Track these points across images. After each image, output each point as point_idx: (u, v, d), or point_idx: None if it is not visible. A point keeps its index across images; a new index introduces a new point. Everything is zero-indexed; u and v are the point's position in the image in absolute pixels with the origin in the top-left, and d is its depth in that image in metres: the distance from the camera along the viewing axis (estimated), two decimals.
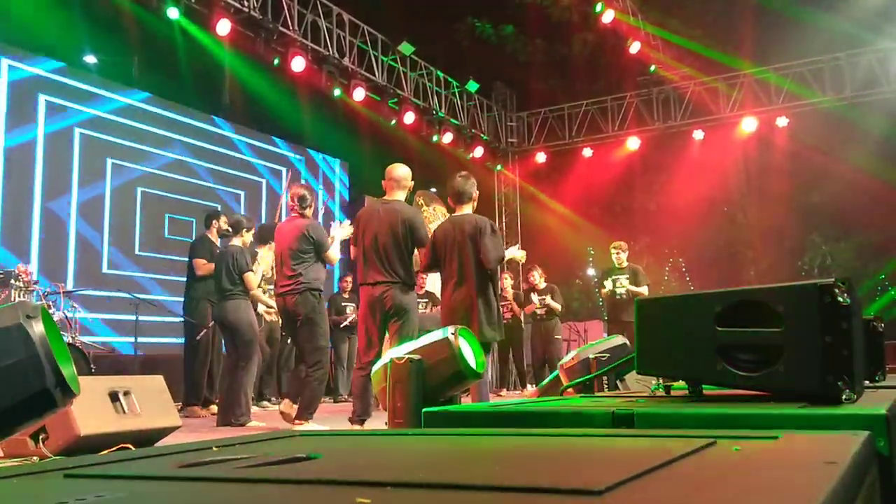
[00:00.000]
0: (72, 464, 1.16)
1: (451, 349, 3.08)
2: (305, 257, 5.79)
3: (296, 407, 5.71)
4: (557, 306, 10.23)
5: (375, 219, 5.43)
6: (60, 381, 2.14)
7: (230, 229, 6.78)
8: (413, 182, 5.71)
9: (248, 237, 6.76)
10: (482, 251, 5.15)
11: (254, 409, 8.13)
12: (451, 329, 3.23)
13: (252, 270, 6.49)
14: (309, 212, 6.04)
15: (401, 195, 5.57)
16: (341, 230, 6.17)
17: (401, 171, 5.61)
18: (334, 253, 5.98)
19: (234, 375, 6.36)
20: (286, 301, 5.82)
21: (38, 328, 2.12)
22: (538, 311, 10.21)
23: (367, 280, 5.40)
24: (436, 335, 3.26)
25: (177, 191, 10.36)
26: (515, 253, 5.88)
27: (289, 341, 8.49)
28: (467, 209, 5.41)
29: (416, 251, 5.45)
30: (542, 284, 10.36)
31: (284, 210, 6.89)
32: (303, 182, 11.30)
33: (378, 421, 5.31)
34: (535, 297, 10.30)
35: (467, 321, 4.96)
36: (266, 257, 7.35)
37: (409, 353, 3.12)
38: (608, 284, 9.38)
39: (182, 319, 7.74)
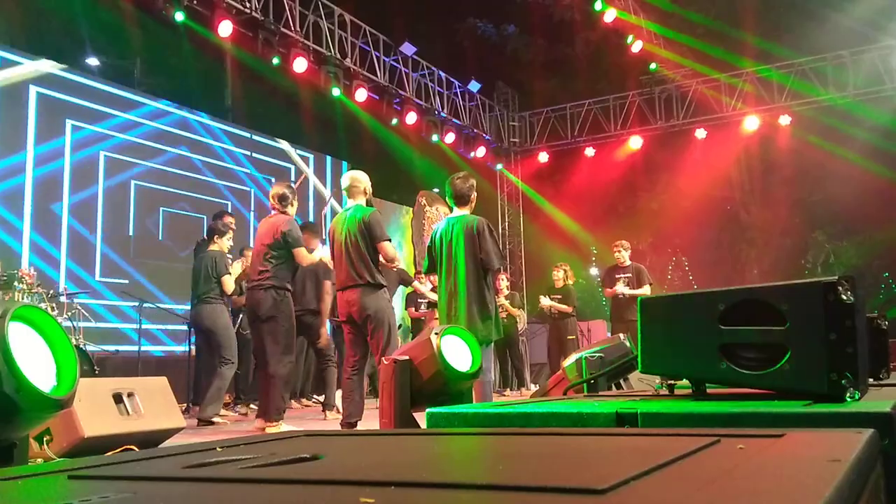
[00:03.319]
0: (76, 465, 1.17)
1: (432, 349, 3.08)
2: (276, 254, 5.81)
3: (270, 421, 5.66)
4: (566, 309, 10.26)
5: (339, 227, 5.51)
6: (23, 386, 2.09)
7: (206, 237, 6.82)
8: (371, 183, 5.71)
9: (223, 242, 6.75)
10: (484, 254, 5.17)
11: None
12: (435, 329, 3.23)
13: (229, 273, 6.50)
14: (291, 210, 6.03)
15: (360, 199, 5.60)
16: (327, 251, 6.27)
17: (351, 178, 5.66)
18: (307, 255, 5.97)
19: (210, 378, 6.36)
20: (252, 298, 5.85)
21: None
22: (552, 312, 10.29)
23: (339, 286, 5.49)
24: (422, 335, 3.27)
25: (179, 190, 10.37)
26: None
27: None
28: (466, 210, 5.42)
29: (382, 247, 5.44)
30: (560, 284, 10.42)
31: (329, 211, 6.82)
32: (285, 182, 11.31)
33: (374, 422, 5.30)
34: (544, 300, 10.33)
35: (462, 321, 4.97)
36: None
37: (399, 353, 3.13)
38: (620, 287, 9.32)
39: (187, 323, 7.73)
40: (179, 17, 8.52)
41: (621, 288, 9.11)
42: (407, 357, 3.08)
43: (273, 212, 6.05)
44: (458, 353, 3.24)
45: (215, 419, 6.23)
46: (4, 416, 2.12)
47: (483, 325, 5.15)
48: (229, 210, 8.83)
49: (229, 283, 6.51)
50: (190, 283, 7.00)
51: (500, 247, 5.50)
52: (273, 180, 11.84)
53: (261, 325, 5.78)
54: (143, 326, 8.26)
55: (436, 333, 3.16)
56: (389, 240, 5.53)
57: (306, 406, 8.93)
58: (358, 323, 5.37)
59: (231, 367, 6.46)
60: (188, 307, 7.83)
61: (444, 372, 3.08)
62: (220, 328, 6.49)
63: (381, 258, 5.49)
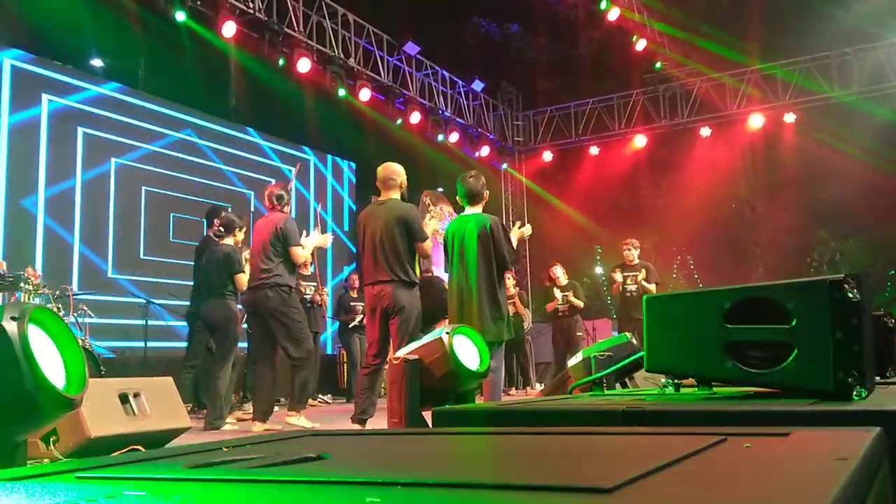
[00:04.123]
0: (83, 465, 1.17)
1: (444, 348, 3.07)
2: (279, 252, 5.81)
3: (267, 425, 5.64)
4: (579, 303, 10.22)
5: (372, 220, 5.46)
6: (42, 385, 2.11)
7: (222, 230, 6.76)
8: (406, 177, 5.67)
9: (240, 236, 6.73)
10: (497, 254, 5.17)
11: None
12: (447, 328, 3.22)
13: (244, 271, 6.47)
14: (287, 209, 6.07)
15: (395, 194, 5.56)
16: (316, 238, 6.24)
17: (389, 170, 5.60)
18: (300, 252, 5.97)
19: (213, 377, 6.34)
20: (255, 296, 5.83)
21: (18, 329, 2.09)
22: (560, 308, 10.20)
23: (368, 280, 5.45)
24: (433, 334, 3.26)
25: (182, 192, 10.38)
26: (525, 232, 5.87)
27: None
28: (478, 208, 5.41)
29: (421, 247, 5.44)
30: (565, 281, 10.36)
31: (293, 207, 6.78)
32: (280, 183, 11.31)
33: (382, 421, 5.30)
34: (557, 293, 10.26)
35: (472, 320, 4.96)
36: None
37: (408, 352, 3.12)
38: (618, 276, 9.39)
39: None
40: (180, 16, 8.52)
41: (631, 278, 9.14)
42: (417, 356, 3.07)
43: (269, 211, 6.08)
44: (468, 352, 3.23)
45: (223, 426, 6.18)
46: (23, 415, 2.15)
47: (495, 325, 5.14)
48: (225, 207, 8.80)
49: (244, 281, 6.45)
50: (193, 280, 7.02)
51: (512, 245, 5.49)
52: (272, 181, 11.88)
53: (276, 326, 5.78)
54: (149, 327, 8.27)
55: (447, 332, 3.15)
56: (427, 238, 5.51)
57: (311, 406, 8.94)
58: (388, 316, 5.32)
59: (227, 369, 6.41)
60: (187, 305, 7.85)
61: (456, 371, 3.08)
62: (227, 324, 6.43)
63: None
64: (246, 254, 6.56)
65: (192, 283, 7.76)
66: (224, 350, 6.39)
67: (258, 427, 5.70)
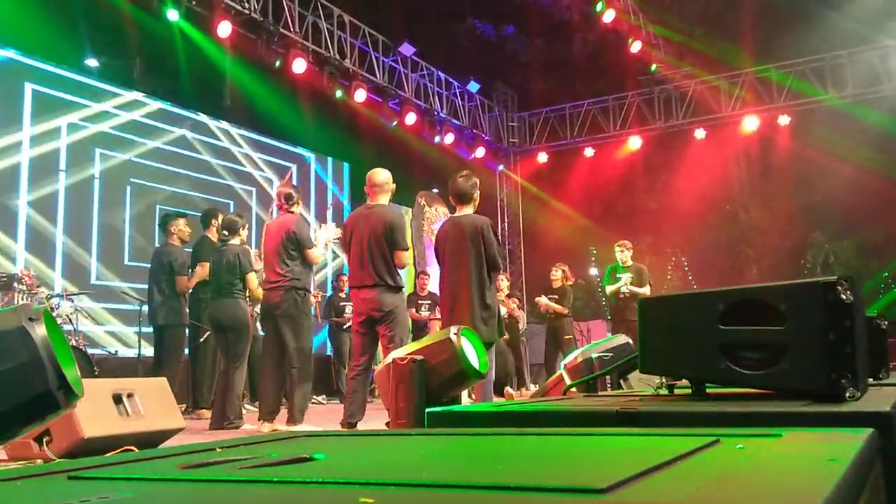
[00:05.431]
0: (75, 466, 1.16)
1: (454, 349, 3.08)
2: (293, 255, 5.80)
3: (274, 425, 5.65)
4: (562, 309, 10.22)
5: (361, 223, 5.50)
6: (63, 384, 2.15)
7: (226, 231, 6.72)
8: (395, 185, 5.73)
9: (244, 234, 6.69)
10: (487, 255, 5.18)
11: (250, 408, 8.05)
12: (453, 329, 3.23)
13: (255, 271, 6.43)
14: (296, 209, 6.03)
15: (384, 199, 5.60)
16: (326, 231, 6.22)
17: (381, 175, 5.65)
18: (316, 252, 5.98)
19: (227, 377, 6.32)
20: (270, 298, 5.81)
21: (40, 331, 2.12)
22: (549, 312, 10.25)
23: (354, 283, 5.50)
24: (438, 335, 3.26)
25: (177, 192, 10.35)
26: None
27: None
28: (468, 209, 5.42)
29: (400, 255, 5.46)
30: (558, 284, 10.37)
31: (275, 210, 6.70)
32: (289, 182, 11.28)
33: (375, 422, 5.29)
34: (540, 299, 10.32)
35: (463, 321, 4.97)
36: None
37: (412, 353, 3.11)
38: (609, 287, 9.39)
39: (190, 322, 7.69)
40: (173, 15, 8.49)
41: (623, 280, 9.14)
42: (422, 357, 3.08)
43: (279, 212, 6.06)
44: (471, 353, 3.25)
45: (238, 422, 6.16)
46: (45, 413, 2.17)
47: (485, 327, 5.15)
48: (217, 209, 8.76)
49: (255, 281, 6.40)
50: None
51: (503, 247, 5.53)
52: (266, 182, 11.87)
53: (284, 327, 5.77)
54: (141, 326, 8.23)
55: (455, 334, 3.16)
56: (408, 248, 5.57)
57: None
58: (375, 321, 5.36)
59: (243, 369, 6.39)
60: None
61: (465, 371, 3.09)
62: (239, 324, 6.38)
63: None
64: (254, 253, 6.56)
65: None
66: (239, 350, 6.35)
67: (267, 427, 5.69)
